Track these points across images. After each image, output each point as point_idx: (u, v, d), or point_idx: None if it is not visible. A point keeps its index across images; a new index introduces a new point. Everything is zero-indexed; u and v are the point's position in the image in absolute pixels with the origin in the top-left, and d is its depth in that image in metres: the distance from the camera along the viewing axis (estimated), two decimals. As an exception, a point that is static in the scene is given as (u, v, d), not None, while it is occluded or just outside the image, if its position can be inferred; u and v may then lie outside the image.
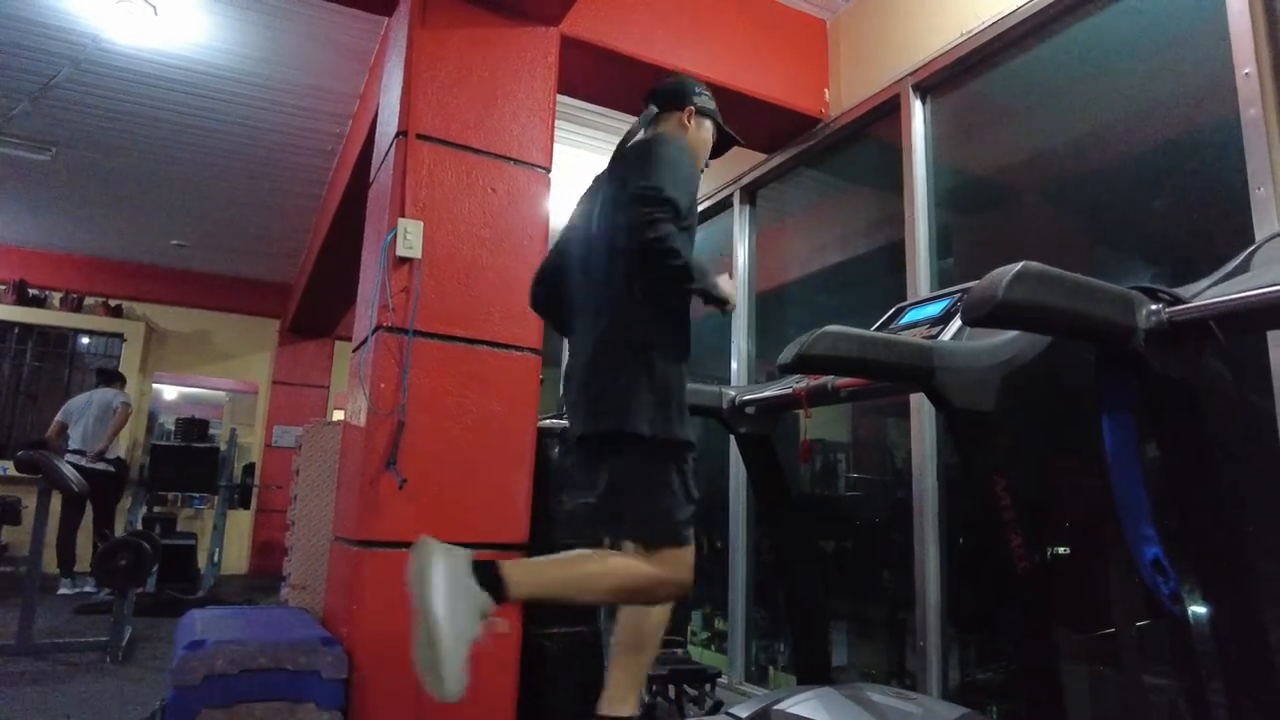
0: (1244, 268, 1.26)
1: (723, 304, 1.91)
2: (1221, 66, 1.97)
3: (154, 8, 3.43)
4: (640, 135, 2.01)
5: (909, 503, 2.63)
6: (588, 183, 2.10)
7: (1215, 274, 1.26)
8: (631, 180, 1.79)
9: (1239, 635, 1.18)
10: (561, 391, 2.00)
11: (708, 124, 2.09)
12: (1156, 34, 2.27)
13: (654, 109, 2.05)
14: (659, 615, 1.87)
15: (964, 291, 1.66)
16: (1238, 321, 1.14)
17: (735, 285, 1.91)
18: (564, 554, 1.76)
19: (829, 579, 3.29)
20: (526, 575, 1.61)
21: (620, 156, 1.97)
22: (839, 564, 3.35)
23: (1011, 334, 1.61)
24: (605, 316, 1.84)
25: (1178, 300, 1.20)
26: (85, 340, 7.58)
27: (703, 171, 2.07)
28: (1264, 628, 1.20)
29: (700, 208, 3.89)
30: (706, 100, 2.08)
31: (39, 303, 7.27)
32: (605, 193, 1.95)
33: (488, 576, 1.53)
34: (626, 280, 1.82)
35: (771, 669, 3.41)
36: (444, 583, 1.47)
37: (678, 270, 1.72)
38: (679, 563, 1.73)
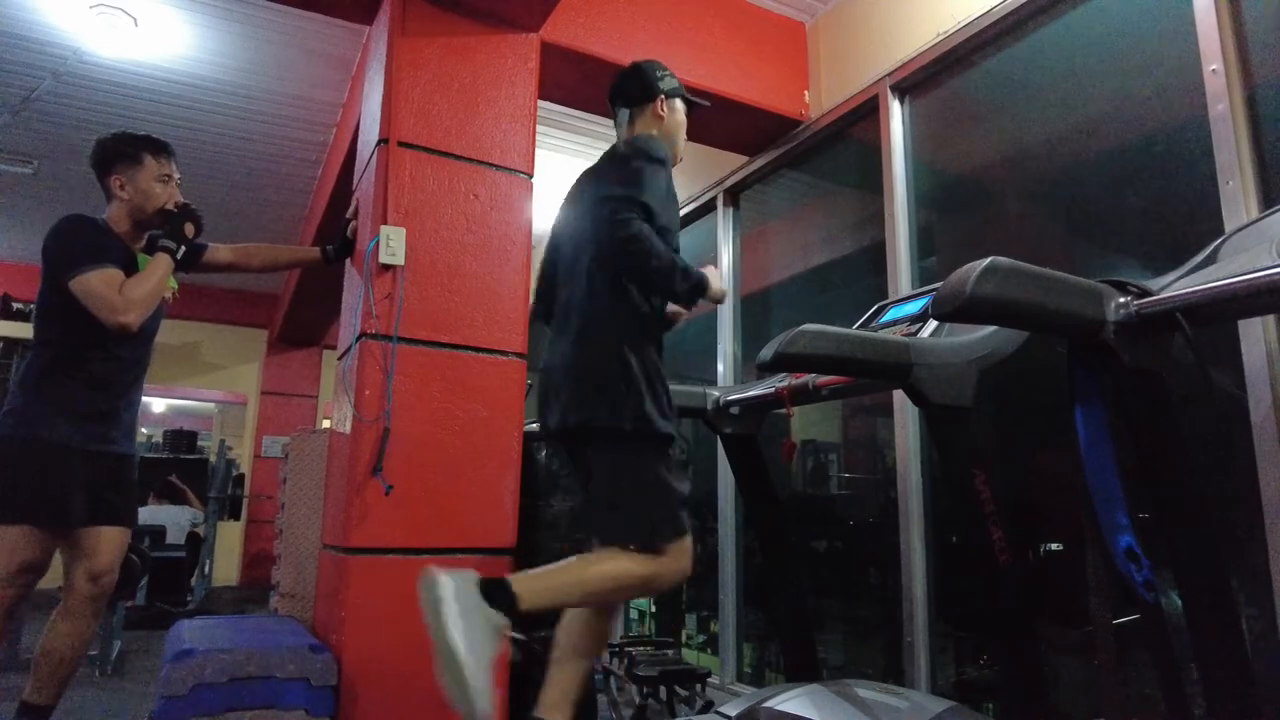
0: (1212, 259, 1.28)
1: (715, 300, 1.91)
2: (1190, 64, 2.00)
3: (134, 19, 3.42)
4: (617, 141, 2.03)
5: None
6: (571, 186, 2.12)
7: (1184, 266, 1.29)
8: (602, 189, 1.82)
9: (1212, 621, 1.20)
10: (539, 389, 1.99)
11: (678, 103, 2.10)
12: (1127, 32, 2.30)
13: (625, 111, 2.07)
14: (604, 623, 1.88)
15: (941, 288, 1.68)
16: (1203, 312, 1.16)
17: (721, 276, 1.90)
18: (565, 560, 1.76)
19: (822, 579, 3.30)
20: (534, 585, 1.63)
21: (602, 164, 1.99)
22: (832, 564, 3.37)
23: (988, 329, 1.63)
24: (582, 316, 1.87)
25: (1146, 293, 1.22)
26: (71, 354, 7.53)
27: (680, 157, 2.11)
28: (1236, 614, 1.22)
29: (683, 211, 3.90)
30: (670, 80, 2.09)
31: (24, 317, 7.21)
32: (585, 197, 1.97)
33: (497, 593, 1.55)
34: (601, 280, 1.84)
35: (768, 671, 3.42)
36: (457, 611, 1.48)
37: (659, 267, 1.73)
38: (680, 552, 1.76)
